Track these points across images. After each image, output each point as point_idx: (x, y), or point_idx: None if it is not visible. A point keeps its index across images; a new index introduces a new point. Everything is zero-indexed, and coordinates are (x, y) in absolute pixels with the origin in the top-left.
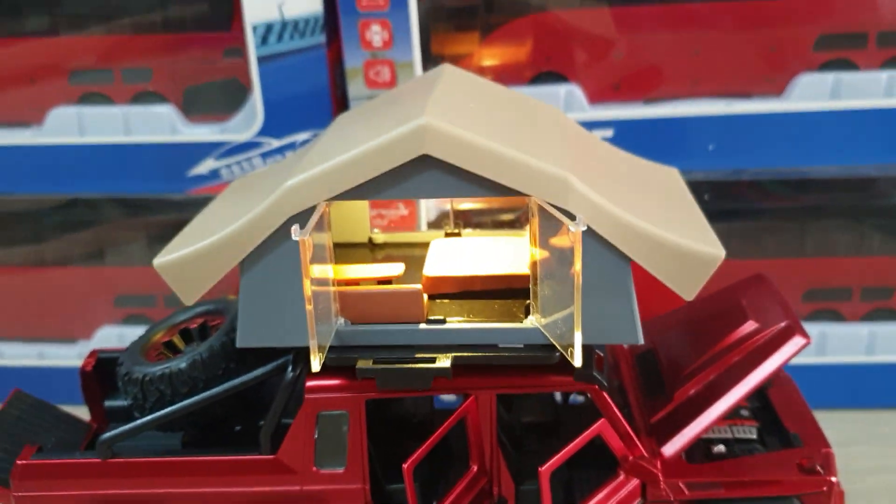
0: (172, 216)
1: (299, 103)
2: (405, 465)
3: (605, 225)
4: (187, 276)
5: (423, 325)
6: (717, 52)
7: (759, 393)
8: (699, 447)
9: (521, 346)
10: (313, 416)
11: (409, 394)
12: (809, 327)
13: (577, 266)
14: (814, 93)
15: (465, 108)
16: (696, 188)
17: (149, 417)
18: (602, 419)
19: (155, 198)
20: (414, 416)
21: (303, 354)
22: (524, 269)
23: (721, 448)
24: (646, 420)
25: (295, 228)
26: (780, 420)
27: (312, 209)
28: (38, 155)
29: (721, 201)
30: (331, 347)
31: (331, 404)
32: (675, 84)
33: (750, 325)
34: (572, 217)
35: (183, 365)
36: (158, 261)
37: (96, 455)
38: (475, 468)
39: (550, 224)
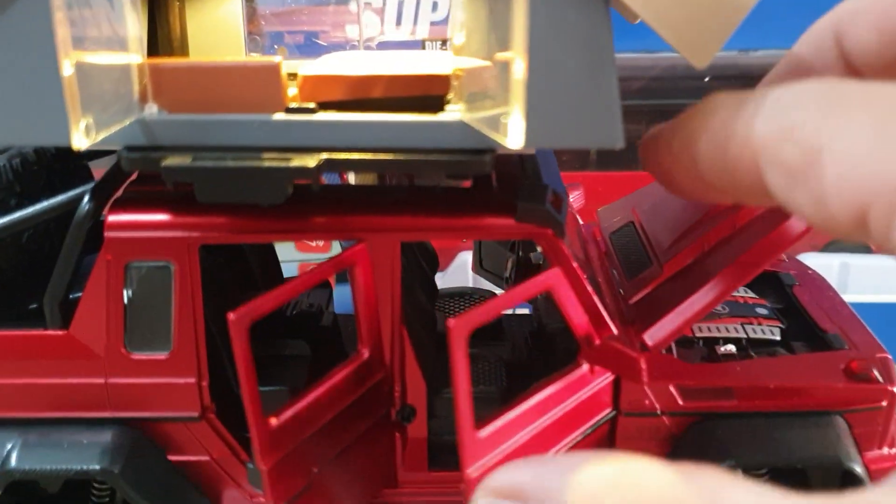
0: None
1: None
2: (230, 314)
3: None
4: None
5: (278, 116)
6: None
7: (782, 293)
8: (699, 348)
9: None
10: (119, 267)
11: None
12: None
13: None
14: None
15: None
16: None
17: None
18: (554, 268)
19: None
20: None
21: (111, 179)
22: (446, 70)
23: (730, 348)
24: (623, 304)
25: None
26: (812, 319)
27: None
28: None
29: None
30: (134, 147)
31: (146, 249)
32: None
33: None
34: None
35: None
36: None
37: None
38: (365, 353)
39: None
